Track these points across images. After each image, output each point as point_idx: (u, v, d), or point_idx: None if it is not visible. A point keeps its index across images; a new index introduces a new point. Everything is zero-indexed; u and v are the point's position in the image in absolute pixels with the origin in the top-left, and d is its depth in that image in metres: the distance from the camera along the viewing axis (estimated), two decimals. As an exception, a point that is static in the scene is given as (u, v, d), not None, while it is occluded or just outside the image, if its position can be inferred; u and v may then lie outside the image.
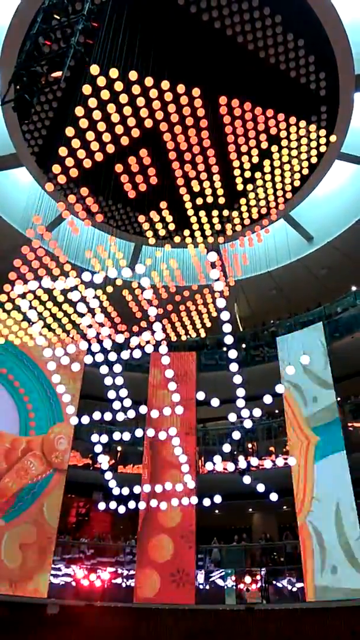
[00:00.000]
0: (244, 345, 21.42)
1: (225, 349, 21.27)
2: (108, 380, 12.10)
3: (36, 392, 18.69)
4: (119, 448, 19.60)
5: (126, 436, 12.90)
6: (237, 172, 12.03)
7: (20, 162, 16.73)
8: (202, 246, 13.15)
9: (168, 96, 9.37)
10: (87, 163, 9.62)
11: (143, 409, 13.06)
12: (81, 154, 9.41)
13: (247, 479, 12.51)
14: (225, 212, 12.86)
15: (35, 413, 18.28)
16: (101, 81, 8.50)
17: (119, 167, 10.33)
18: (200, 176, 11.52)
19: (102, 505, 13.61)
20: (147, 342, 12.18)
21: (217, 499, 12.75)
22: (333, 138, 13.03)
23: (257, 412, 11.74)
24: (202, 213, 12.36)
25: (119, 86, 8.75)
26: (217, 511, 21.08)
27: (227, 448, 13.12)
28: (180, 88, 9.47)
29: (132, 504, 13.21)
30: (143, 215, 12.18)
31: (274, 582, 15.70)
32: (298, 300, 21.71)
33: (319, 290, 21.44)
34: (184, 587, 15.53)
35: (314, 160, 12.68)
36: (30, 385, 18.66)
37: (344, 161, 17.01)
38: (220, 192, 12.02)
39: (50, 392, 18.26)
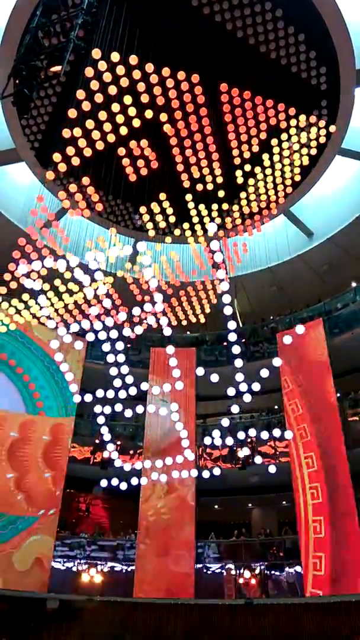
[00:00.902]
0: (243, 341, 21.42)
1: (225, 343, 21.39)
2: (110, 358, 12.02)
3: (43, 379, 18.54)
4: (119, 442, 19.61)
5: (128, 413, 12.85)
6: (237, 160, 11.94)
7: (20, 157, 16.69)
8: (202, 239, 13.13)
9: (170, 82, 9.36)
10: (88, 152, 9.55)
11: (144, 386, 12.96)
12: (82, 142, 9.33)
13: (243, 451, 12.48)
14: (225, 206, 12.83)
15: (40, 392, 18.07)
16: (102, 65, 8.45)
17: (120, 151, 10.20)
18: (201, 163, 11.48)
19: (104, 483, 13.69)
20: (146, 316, 12.05)
21: (216, 471, 12.78)
22: (332, 128, 12.99)
23: (256, 386, 11.72)
24: (202, 206, 12.30)
25: (120, 70, 8.68)
26: (216, 506, 21.20)
27: (225, 422, 12.91)
28: (181, 75, 9.43)
29: (134, 480, 13.37)
30: (144, 206, 12.10)
31: (273, 576, 15.74)
32: (298, 296, 21.71)
33: (319, 286, 21.43)
34: (183, 582, 15.58)
35: (313, 152, 12.61)
36: (36, 371, 18.48)
37: (345, 157, 16.98)
38: (219, 179, 11.96)
39: (58, 376, 18.19)
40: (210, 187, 12.04)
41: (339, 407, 16.59)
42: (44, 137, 15.85)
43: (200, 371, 13.17)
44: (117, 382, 12.07)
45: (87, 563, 16.59)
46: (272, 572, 15.83)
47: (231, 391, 11.78)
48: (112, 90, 8.94)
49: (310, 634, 15.11)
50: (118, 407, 12.66)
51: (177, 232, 13.17)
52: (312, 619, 15.36)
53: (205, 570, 16.27)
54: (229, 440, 12.82)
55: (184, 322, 14.55)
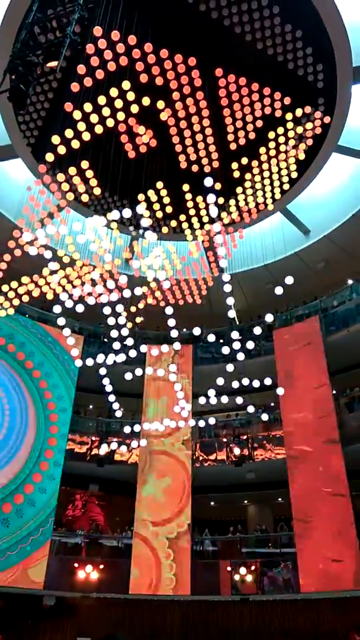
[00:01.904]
0: (240, 337, 21.42)
1: (222, 340, 21.35)
2: (111, 321, 12.04)
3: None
4: (115, 439, 19.66)
5: (128, 374, 12.97)
6: (232, 146, 11.94)
7: (16, 153, 16.61)
8: (199, 232, 13.13)
9: (167, 64, 9.51)
10: (86, 136, 9.55)
11: (143, 348, 12.94)
12: (81, 126, 9.31)
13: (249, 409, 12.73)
14: (221, 200, 12.83)
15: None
16: (102, 44, 8.49)
17: (121, 126, 10.17)
18: (198, 146, 11.54)
19: (104, 449, 13.74)
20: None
21: (211, 420, 12.90)
22: (327, 119, 13.08)
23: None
24: (199, 198, 12.30)
25: (120, 48, 8.72)
26: (212, 503, 21.22)
27: (220, 381, 12.78)
28: (178, 58, 9.55)
29: (134, 444, 13.67)
30: (141, 193, 12.06)
31: (269, 573, 15.79)
32: (294, 293, 21.66)
33: (315, 283, 21.45)
34: (179, 579, 15.62)
35: (309, 142, 12.63)
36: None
37: (341, 154, 16.98)
38: (216, 164, 11.99)
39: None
40: (207, 169, 11.99)
41: (334, 404, 16.65)
42: (40, 134, 15.77)
43: (196, 330, 13.15)
44: (117, 345, 12.11)
45: (83, 560, 16.57)
46: (268, 568, 15.88)
47: (226, 350, 11.88)
48: (112, 67, 8.94)
49: (306, 630, 15.20)
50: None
51: (173, 223, 13.12)
52: (308, 616, 15.44)
53: (201, 567, 16.29)
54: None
55: (181, 302, 14.43)
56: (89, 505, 20.64)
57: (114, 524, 19.74)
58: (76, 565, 16.12)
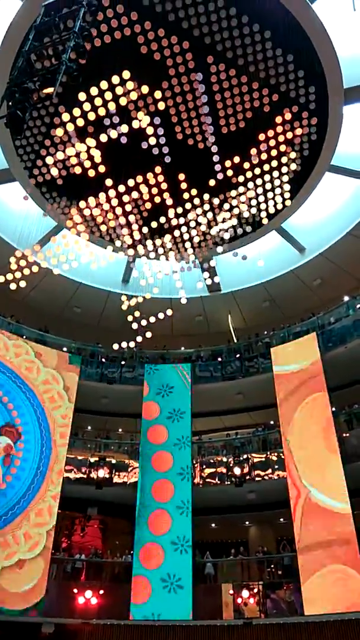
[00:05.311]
0: (238, 356, 21.45)
1: (220, 359, 21.38)
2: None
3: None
4: (114, 461, 19.49)
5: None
6: (225, 129, 12.49)
7: (13, 177, 16.79)
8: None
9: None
10: (92, 108, 10.36)
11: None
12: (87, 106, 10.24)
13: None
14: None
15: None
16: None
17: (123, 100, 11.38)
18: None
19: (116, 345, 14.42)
20: None
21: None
22: (314, 120, 13.87)
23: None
24: (196, 195, 12.74)
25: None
26: (213, 525, 20.95)
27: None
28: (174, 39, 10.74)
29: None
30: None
31: (272, 595, 15.52)
32: (291, 311, 21.78)
33: (312, 300, 21.55)
34: (181, 603, 15.31)
35: (297, 140, 13.12)
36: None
37: (334, 173, 17.21)
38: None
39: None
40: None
41: (334, 421, 16.55)
42: (37, 157, 15.96)
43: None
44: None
45: (82, 585, 16.26)
46: (271, 590, 15.61)
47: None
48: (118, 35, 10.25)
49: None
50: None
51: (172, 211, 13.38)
52: (311, 637, 15.14)
53: (202, 591, 15.99)
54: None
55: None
56: (87, 529, 20.33)
57: (114, 547, 19.42)
58: (75, 590, 15.81)
